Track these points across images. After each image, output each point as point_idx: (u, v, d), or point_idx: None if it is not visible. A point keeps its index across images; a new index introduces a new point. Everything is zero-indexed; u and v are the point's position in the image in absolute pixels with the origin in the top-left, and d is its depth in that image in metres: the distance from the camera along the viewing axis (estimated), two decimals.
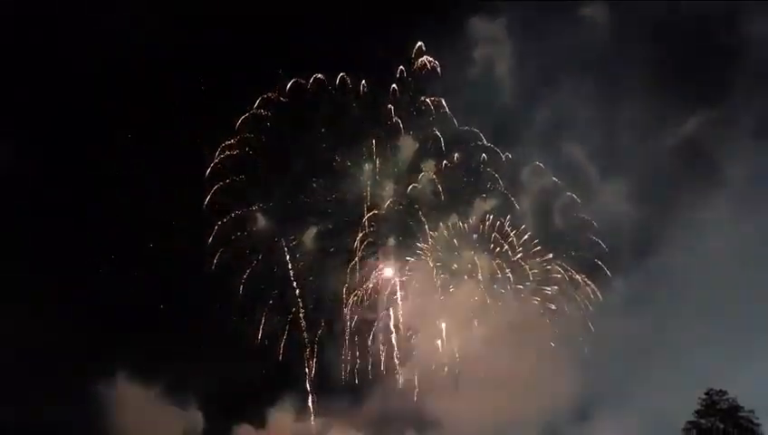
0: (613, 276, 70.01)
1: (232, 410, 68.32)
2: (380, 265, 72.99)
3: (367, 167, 73.41)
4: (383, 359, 71.51)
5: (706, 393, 55.38)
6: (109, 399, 63.63)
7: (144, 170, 67.89)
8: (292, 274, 71.14)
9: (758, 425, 53.03)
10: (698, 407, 55.81)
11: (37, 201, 66.29)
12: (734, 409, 54.07)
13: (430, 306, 72.98)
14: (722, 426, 54.15)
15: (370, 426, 70.09)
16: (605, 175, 72.45)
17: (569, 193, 72.43)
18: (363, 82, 71.75)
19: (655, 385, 61.81)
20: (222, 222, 69.21)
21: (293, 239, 71.66)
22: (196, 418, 67.56)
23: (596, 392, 65.09)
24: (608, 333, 65.72)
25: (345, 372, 70.72)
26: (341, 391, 70.74)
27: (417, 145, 73.81)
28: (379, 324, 72.52)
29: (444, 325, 72.58)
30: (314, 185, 72.23)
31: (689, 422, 55.38)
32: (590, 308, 68.93)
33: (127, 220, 67.29)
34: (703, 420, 54.88)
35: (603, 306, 68.28)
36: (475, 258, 72.76)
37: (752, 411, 53.62)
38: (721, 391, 54.78)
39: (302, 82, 70.58)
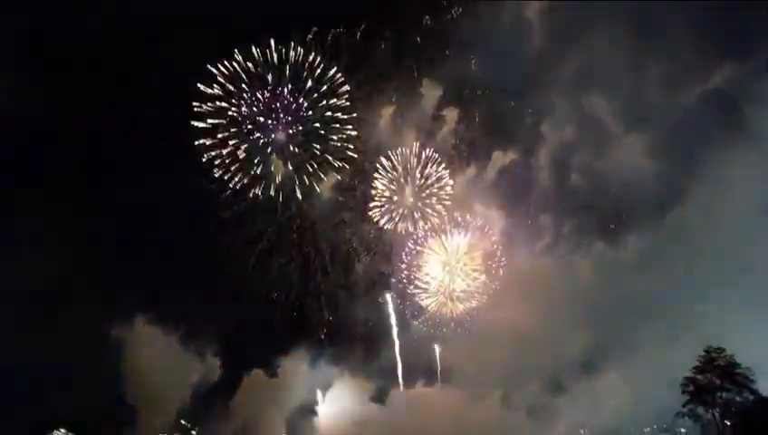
0: (628, 233, 69.50)
1: (246, 358, 70.04)
2: (395, 220, 74.05)
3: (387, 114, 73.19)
4: (396, 311, 73.78)
5: (705, 351, 54.36)
6: (126, 343, 64.06)
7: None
8: (308, 223, 73.09)
9: (753, 381, 51.72)
10: (697, 363, 54.70)
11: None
12: (731, 366, 53.14)
13: (444, 260, 73.84)
14: (719, 382, 53.09)
15: (382, 377, 71.87)
16: (629, 128, 71.25)
17: (588, 148, 71.69)
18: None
19: (659, 341, 61.21)
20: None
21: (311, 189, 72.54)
22: (213, 364, 68.75)
23: (602, 347, 65.09)
24: (616, 289, 64.68)
25: (359, 323, 73.41)
26: (354, 342, 73.18)
27: (441, 93, 73.46)
28: (392, 278, 74.42)
29: (457, 279, 73.55)
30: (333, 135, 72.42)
31: (686, 378, 54.86)
32: (602, 264, 67.84)
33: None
34: (700, 376, 54.17)
35: (615, 263, 67.32)
36: (489, 212, 73.00)
37: (748, 369, 52.31)
38: (719, 348, 54.22)
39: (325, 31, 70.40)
